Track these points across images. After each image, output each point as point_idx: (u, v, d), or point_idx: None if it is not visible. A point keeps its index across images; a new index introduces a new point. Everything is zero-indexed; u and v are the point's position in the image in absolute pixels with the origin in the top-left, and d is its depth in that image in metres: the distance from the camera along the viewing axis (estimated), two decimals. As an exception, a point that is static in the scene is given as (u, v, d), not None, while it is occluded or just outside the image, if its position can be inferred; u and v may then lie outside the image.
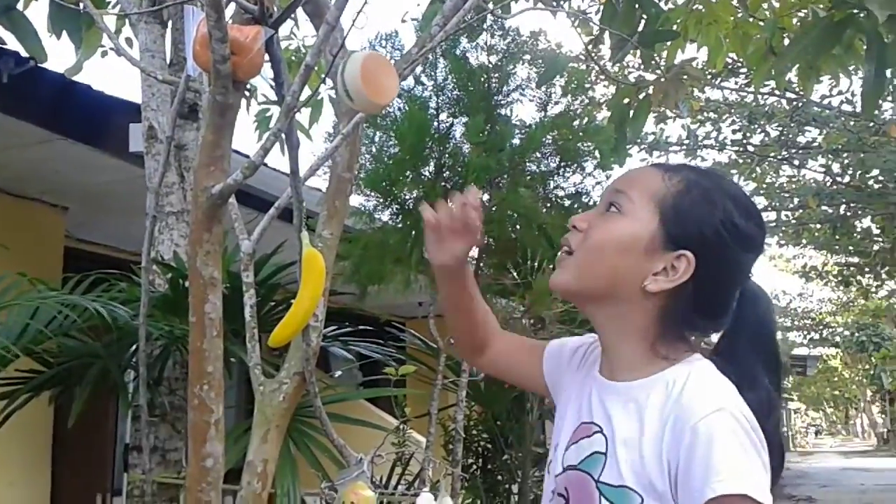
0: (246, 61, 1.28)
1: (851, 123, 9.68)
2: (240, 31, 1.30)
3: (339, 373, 3.07)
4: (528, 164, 3.10)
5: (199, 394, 1.49)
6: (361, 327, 3.36)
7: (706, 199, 1.05)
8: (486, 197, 2.98)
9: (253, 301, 1.85)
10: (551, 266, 3.26)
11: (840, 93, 9.55)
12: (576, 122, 3.26)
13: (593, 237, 1.06)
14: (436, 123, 2.97)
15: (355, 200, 3.22)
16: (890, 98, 7.44)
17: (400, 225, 2.98)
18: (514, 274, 3.19)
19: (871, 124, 8.18)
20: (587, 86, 3.54)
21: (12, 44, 2.69)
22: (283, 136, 1.53)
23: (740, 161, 11.38)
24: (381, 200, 2.86)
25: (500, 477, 3.74)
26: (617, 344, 1.08)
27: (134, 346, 2.67)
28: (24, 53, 2.72)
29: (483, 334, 1.29)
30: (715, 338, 1.12)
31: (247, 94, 4.56)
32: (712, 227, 1.03)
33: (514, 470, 3.58)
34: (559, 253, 1.11)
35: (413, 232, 2.96)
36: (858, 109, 9.22)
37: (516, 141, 3.08)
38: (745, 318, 1.07)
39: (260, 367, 1.88)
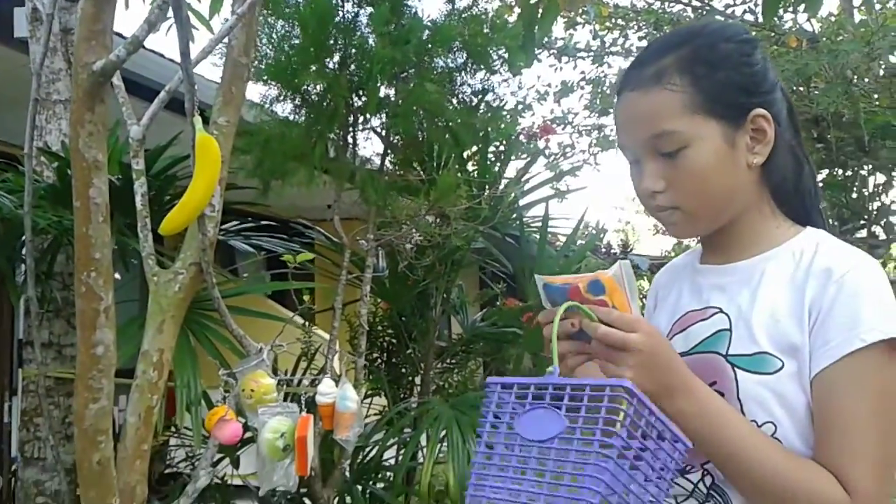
0: None
1: (753, 33, 9.85)
2: None
3: (245, 275, 3.02)
4: (435, 59, 3.05)
5: (86, 281, 1.45)
6: (265, 223, 3.32)
7: (713, 65, 1.02)
8: (392, 91, 2.93)
9: (144, 189, 1.79)
10: (457, 165, 3.27)
11: (744, 2, 9.68)
12: (485, 19, 3.21)
13: (691, 184, 1.02)
14: (340, 13, 2.87)
15: (256, 92, 3.12)
16: (791, 8, 7.59)
17: (302, 118, 2.90)
18: (420, 171, 3.18)
19: (772, 34, 8.36)
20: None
21: None
22: (172, 12, 1.44)
23: (647, 68, 11.49)
24: (283, 91, 2.77)
25: (403, 370, 3.83)
26: (731, 229, 1.07)
27: (22, 238, 2.56)
28: None
29: None
30: None
31: (141, -23, 4.28)
32: (739, 74, 1.02)
33: (418, 363, 3.67)
34: (659, 213, 1.06)
35: (316, 126, 2.90)
36: (760, 19, 9.39)
37: (424, 35, 3.01)
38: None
39: (154, 258, 1.84)
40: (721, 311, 1.05)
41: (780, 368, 0.97)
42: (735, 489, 0.99)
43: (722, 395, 1.00)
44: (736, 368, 1.00)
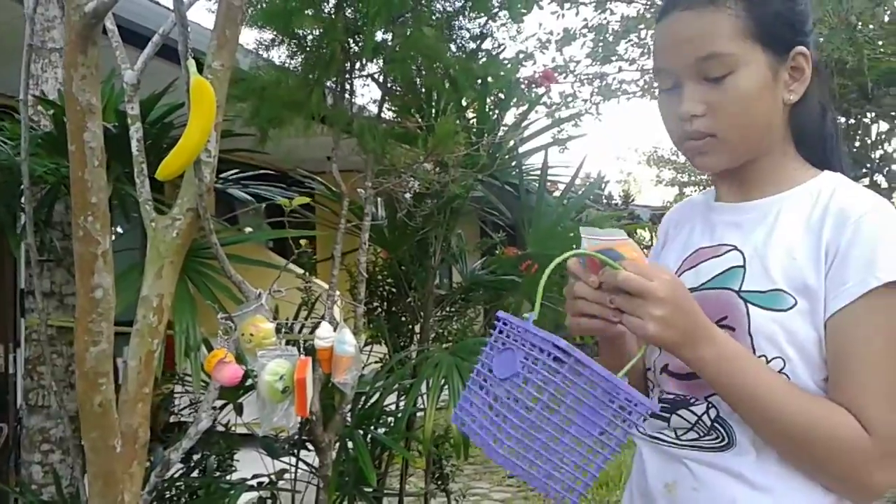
0: None
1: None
2: None
3: (248, 229, 3.01)
4: (433, 2, 3.00)
5: (83, 225, 1.45)
6: (264, 172, 3.31)
7: None
8: (389, 36, 2.89)
9: (140, 134, 1.78)
10: (455, 112, 3.24)
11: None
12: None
13: (733, 109, 1.01)
14: (336, -45, 2.82)
15: (251, 38, 3.08)
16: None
17: (299, 65, 2.87)
18: (418, 118, 3.16)
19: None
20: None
21: None
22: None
23: (648, 16, 11.34)
24: (278, 36, 2.73)
25: (403, 318, 3.85)
26: (753, 166, 1.07)
27: (21, 187, 2.56)
28: None
29: None
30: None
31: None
32: (788, 9, 1.03)
33: (417, 311, 3.68)
34: (690, 142, 1.05)
35: (313, 73, 2.87)
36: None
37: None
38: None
39: (151, 204, 1.84)
40: (735, 248, 1.06)
41: (793, 306, 0.98)
42: (756, 431, 1.00)
43: (733, 329, 1.01)
44: (749, 304, 1.00)
